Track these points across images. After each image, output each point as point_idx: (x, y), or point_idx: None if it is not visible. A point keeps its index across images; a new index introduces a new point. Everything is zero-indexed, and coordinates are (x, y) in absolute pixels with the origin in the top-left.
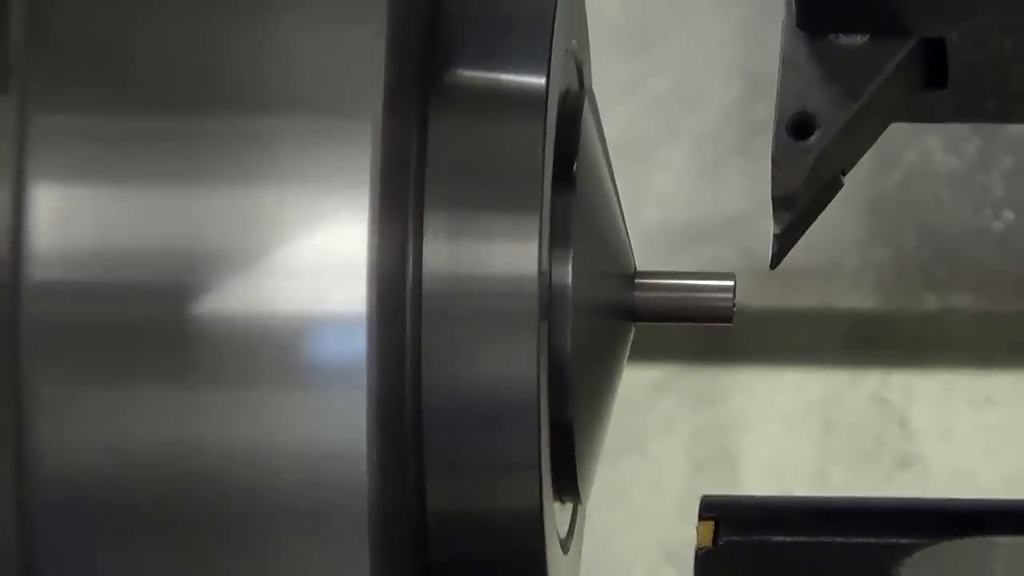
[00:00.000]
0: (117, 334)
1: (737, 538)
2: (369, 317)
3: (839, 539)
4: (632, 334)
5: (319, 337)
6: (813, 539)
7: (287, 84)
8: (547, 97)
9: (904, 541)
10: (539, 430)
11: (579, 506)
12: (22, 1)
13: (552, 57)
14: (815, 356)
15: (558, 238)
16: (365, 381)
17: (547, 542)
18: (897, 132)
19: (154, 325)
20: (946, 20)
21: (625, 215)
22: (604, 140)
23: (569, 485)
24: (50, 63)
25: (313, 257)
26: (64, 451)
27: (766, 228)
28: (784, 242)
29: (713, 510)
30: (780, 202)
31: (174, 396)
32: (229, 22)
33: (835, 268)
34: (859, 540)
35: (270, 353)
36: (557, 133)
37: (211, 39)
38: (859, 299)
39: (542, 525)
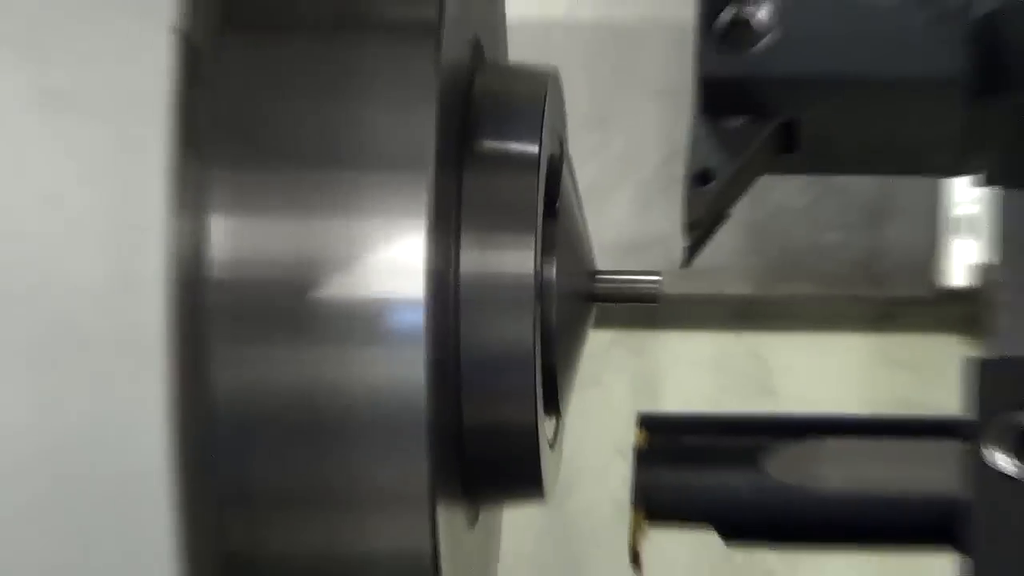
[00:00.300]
0: (265, 312)
1: (660, 440)
2: (426, 300)
3: (727, 440)
4: (593, 311)
5: (394, 313)
6: (710, 440)
7: (374, 149)
8: (539, 159)
9: (767, 442)
10: (535, 371)
11: (560, 420)
12: (205, 95)
13: (543, 134)
14: (710, 324)
15: (546, 249)
16: (423, 342)
17: (540, 443)
18: (765, 181)
19: (288, 308)
20: (795, 108)
21: (589, 234)
22: (576, 186)
23: (554, 406)
24: (221, 136)
25: (389, 261)
26: (233, 386)
27: (679, 243)
28: (691, 252)
29: (645, 422)
30: (688, 227)
31: (303, 352)
32: (335, 109)
33: (724, 268)
34: (740, 441)
35: (362, 325)
36: (546, 182)
37: (323, 119)
38: (739, 288)
39: (537, 432)
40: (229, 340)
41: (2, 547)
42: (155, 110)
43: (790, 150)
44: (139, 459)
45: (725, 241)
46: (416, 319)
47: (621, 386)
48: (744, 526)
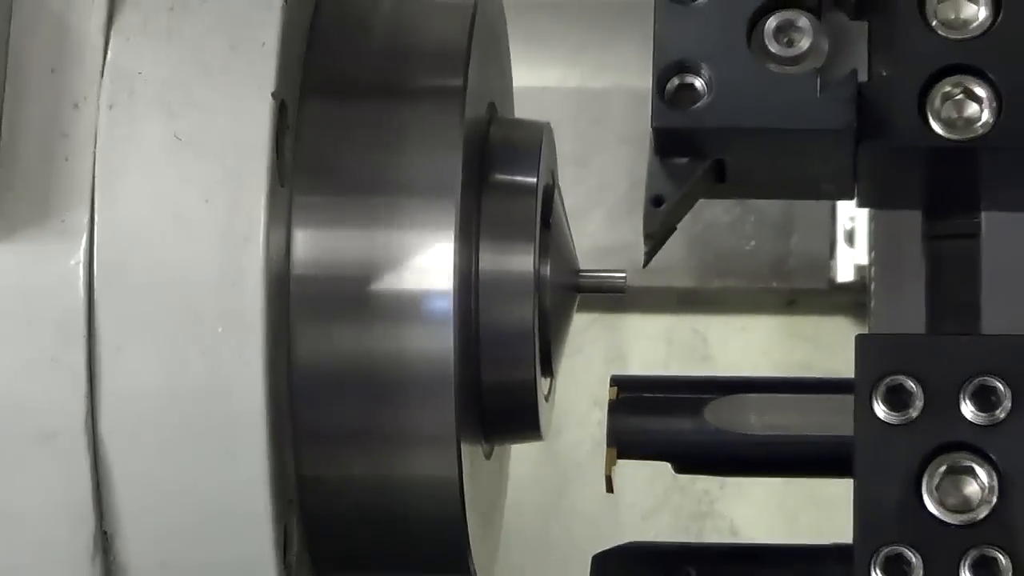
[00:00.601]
0: (335, 300)
1: (628, 395)
2: (454, 291)
3: (677, 394)
4: (577, 299)
5: (430, 301)
6: (664, 395)
7: (415, 180)
8: (537, 188)
9: (707, 396)
10: (535, 343)
11: (553, 379)
12: (291, 139)
13: (539, 169)
14: (662, 309)
15: (542, 253)
16: (452, 322)
17: (538, 396)
18: (702, 203)
19: (351, 295)
20: (724, 151)
21: (574, 242)
22: (564, 207)
23: (548, 369)
24: (302, 171)
25: (426, 263)
26: (310, 354)
27: (641, 249)
28: (649, 256)
29: (616, 381)
30: (647, 237)
31: (361, 328)
32: (386, 151)
33: (672, 266)
34: (687, 395)
35: (406, 308)
36: (542, 204)
37: (377, 159)
38: (684, 281)
39: (536, 388)
40: (308, 320)
41: (142, 476)
42: (256, 151)
43: (720, 180)
44: (241, 411)
45: (673, 247)
46: (446, 305)
47: (597, 355)
48: (690, 460)
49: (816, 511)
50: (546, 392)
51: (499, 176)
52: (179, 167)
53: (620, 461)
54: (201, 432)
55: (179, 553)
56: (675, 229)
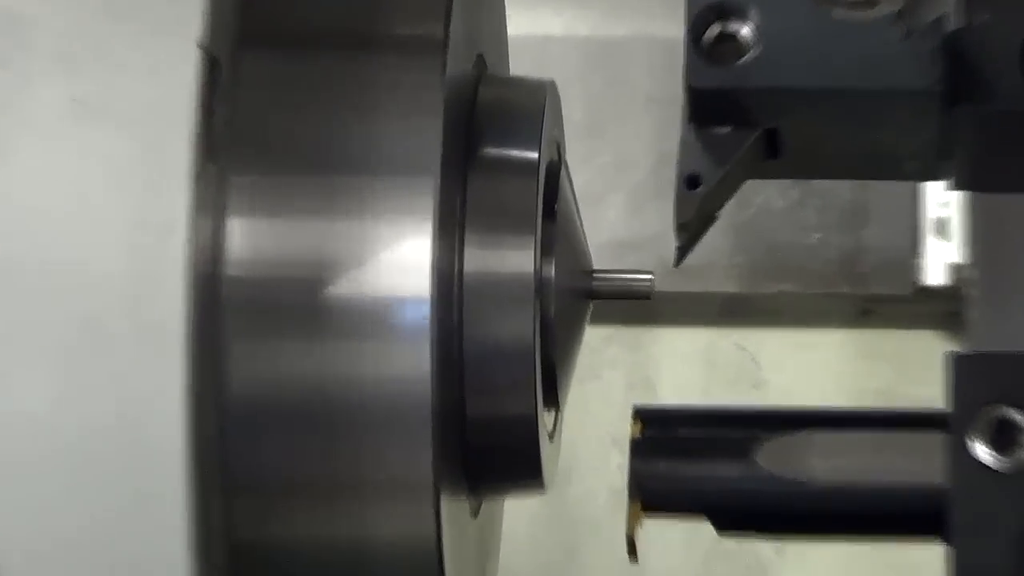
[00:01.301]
0: (279, 309)
1: (655, 432)
2: (431, 297)
3: (718, 432)
4: (591, 307)
5: (402, 310)
6: (702, 432)
7: (384, 155)
8: (538, 165)
9: (757, 434)
10: (535, 366)
11: (559, 412)
12: (224, 104)
13: (542, 141)
14: (701, 320)
15: (545, 249)
16: (429, 337)
17: (539, 434)
18: (750, 184)
19: (300, 303)
20: (777, 118)
21: (586, 234)
22: (573, 190)
23: (553, 399)
24: (239, 144)
25: (398, 261)
26: (246, 378)
27: (671, 243)
28: (682, 251)
29: (641, 414)
30: (679, 228)
31: (313, 346)
32: (346, 118)
33: (712, 267)
34: (730, 432)
35: (370, 320)
36: (544, 186)
37: (335, 130)
38: (727, 285)
39: (536, 424)
40: (244, 335)
41: (25, 533)
42: (178, 119)
43: (773, 156)
44: (156, 450)
45: (713, 241)
46: (422, 315)
47: (617, 380)
48: (736, 516)
49: None
50: (550, 429)
51: (490, 150)
52: (81, 140)
53: (646, 519)
54: (106, 477)
55: None
56: (716, 218)
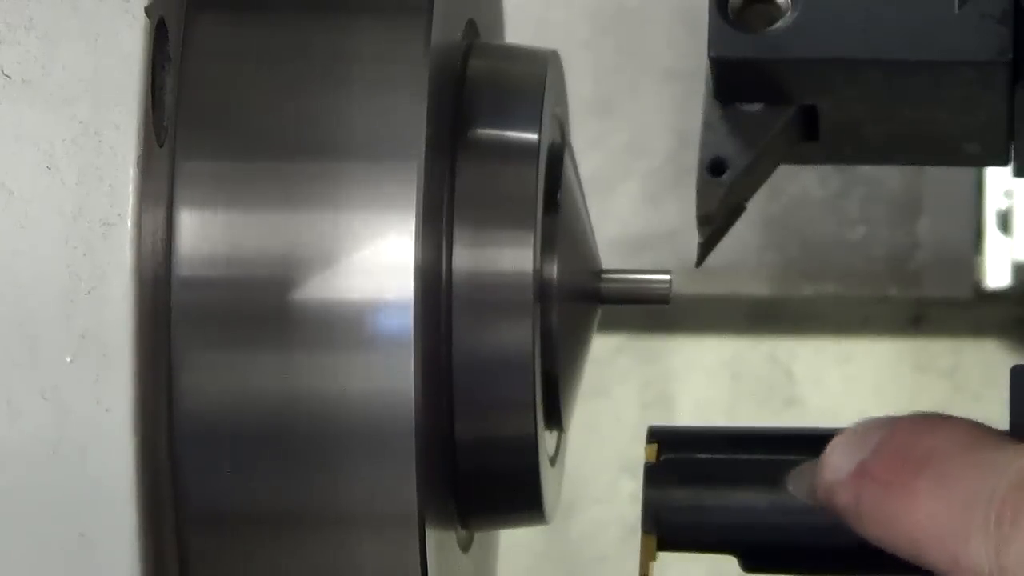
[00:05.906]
0: (238, 315)
1: (672, 456)
2: (415, 302)
3: (745, 456)
4: (599, 313)
5: (381, 316)
6: (727, 456)
7: (358, 136)
8: (539, 148)
9: (790, 458)
10: (535, 380)
11: (562, 434)
12: (173, 77)
13: (542, 120)
14: (726, 328)
15: (547, 246)
16: (412, 347)
17: (540, 459)
18: (783, 171)
19: (262, 308)
20: (816, 94)
21: (594, 229)
22: (579, 177)
23: (555, 419)
24: (190, 123)
25: (376, 259)
26: (200, 395)
27: (692, 239)
28: (705, 249)
29: (656, 436)
30: (702, 221)
31: (278, 357)
32: (316, 93)
33: (740, 266)
34: (759, 457)
35: (345, 328)
36: (546, 173)
37: (303, 107)
38: (756, 288)
39: (536, 447)
40: (198, 344)
41: None
42: (122, 94)
43: (811, 138)
44: (97, 476)
45: (742, 236)
46: (404, 321)
47: (629, 396)
48: (765, 551)
49: None
50: (552, 453)
51: (482, 131)
52: (9, 119)
53: (662, 554)
54: (43, 509)
55: None
56: (744, 209)
